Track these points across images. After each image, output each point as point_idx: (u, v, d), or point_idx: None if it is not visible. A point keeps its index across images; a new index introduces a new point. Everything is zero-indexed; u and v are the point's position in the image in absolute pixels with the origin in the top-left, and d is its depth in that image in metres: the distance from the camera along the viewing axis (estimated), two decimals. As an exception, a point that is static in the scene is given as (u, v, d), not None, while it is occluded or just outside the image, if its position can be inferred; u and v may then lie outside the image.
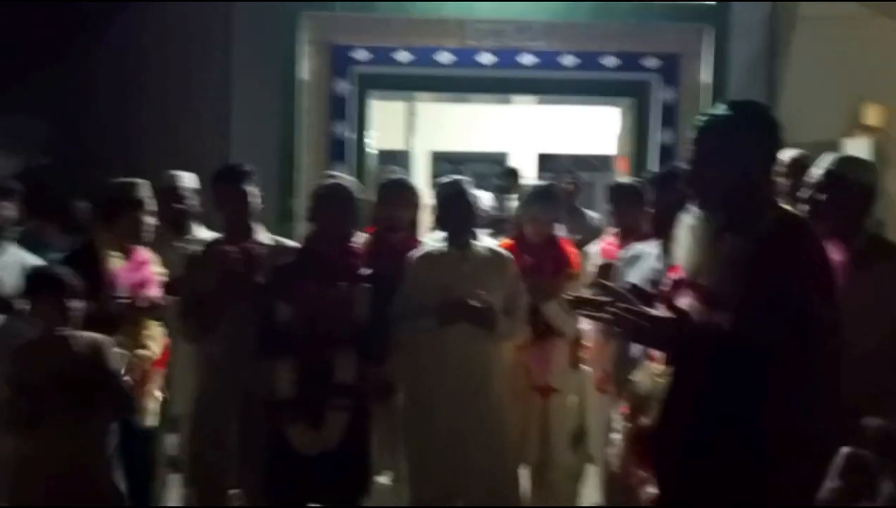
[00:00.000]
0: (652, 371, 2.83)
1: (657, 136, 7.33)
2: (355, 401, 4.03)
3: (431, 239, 4.60)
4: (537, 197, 4.78)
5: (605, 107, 9.38)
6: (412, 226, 4.80)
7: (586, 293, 3.10)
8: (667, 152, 7.20)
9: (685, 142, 6.45)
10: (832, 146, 5.56)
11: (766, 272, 2.56)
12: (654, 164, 7.08)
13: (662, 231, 3.83)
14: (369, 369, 4.05)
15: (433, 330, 4.18)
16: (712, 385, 2.60)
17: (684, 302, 2.72)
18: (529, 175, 11.15)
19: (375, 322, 4.06)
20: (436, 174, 11.55)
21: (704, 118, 2.79)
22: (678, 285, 2.83)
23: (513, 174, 9.35)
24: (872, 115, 7.05)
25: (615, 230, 4.97)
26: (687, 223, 2.82)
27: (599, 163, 12.42)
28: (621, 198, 4.97)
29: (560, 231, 4.83)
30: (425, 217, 4.96)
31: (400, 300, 4.26)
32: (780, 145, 2.75)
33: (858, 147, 6.59)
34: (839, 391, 2.60)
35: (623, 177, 6.52)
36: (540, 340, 4.69)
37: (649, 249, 4.14)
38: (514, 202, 7.51)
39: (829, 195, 3.55)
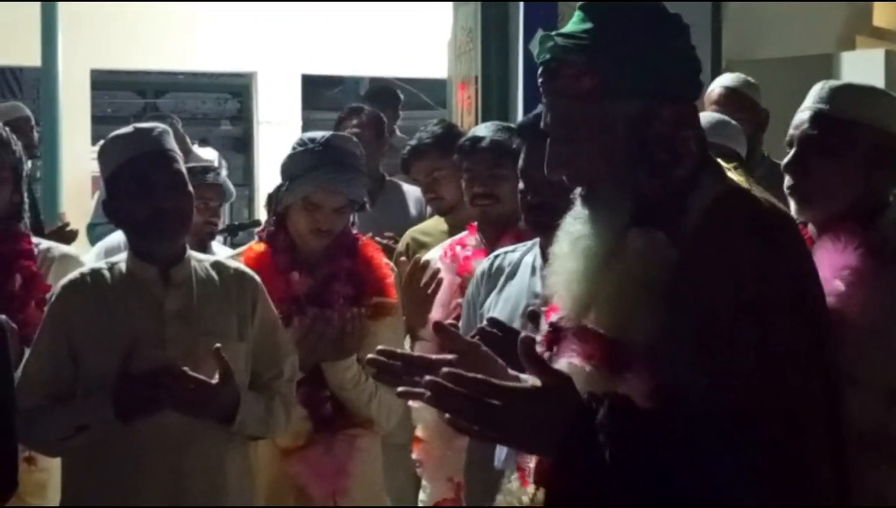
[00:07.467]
0: (517, 494, 2.16)
1: (520, 51, 5.70)
2: None
3: (96, 249, 4.02)
4: (318, 160, 3.52)
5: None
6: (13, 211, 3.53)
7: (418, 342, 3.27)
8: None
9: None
10: (824, 64, 4.97)
11: (708, 296, 1.78)
12: (518, 97, 5.82)
13: (542, 222, 2.93)
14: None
15: (108, 430, 2.92)
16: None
17: (563, 362, 1.93)
18: (288, 116, 9.70)
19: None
20: (103, 112, 9.77)
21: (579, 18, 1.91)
22: (557, 333, 2.05)
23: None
24: (886, 11, 5.97)
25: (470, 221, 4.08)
26: (566, 227, 2.02)
27: (424, 93, 10.18)
28: (480, 162, 3.90)
29: (355, 225, 3.73)
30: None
31: (28, 376, 3.05)
32: (698, 62, 1.94)
33: (866, 63, 5.38)
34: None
35: (480, 124, 4.81)
36: (326, 437, 3.56)
37: (525, 256, 3.24)
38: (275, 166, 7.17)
39: (824, 152, 2.55)
